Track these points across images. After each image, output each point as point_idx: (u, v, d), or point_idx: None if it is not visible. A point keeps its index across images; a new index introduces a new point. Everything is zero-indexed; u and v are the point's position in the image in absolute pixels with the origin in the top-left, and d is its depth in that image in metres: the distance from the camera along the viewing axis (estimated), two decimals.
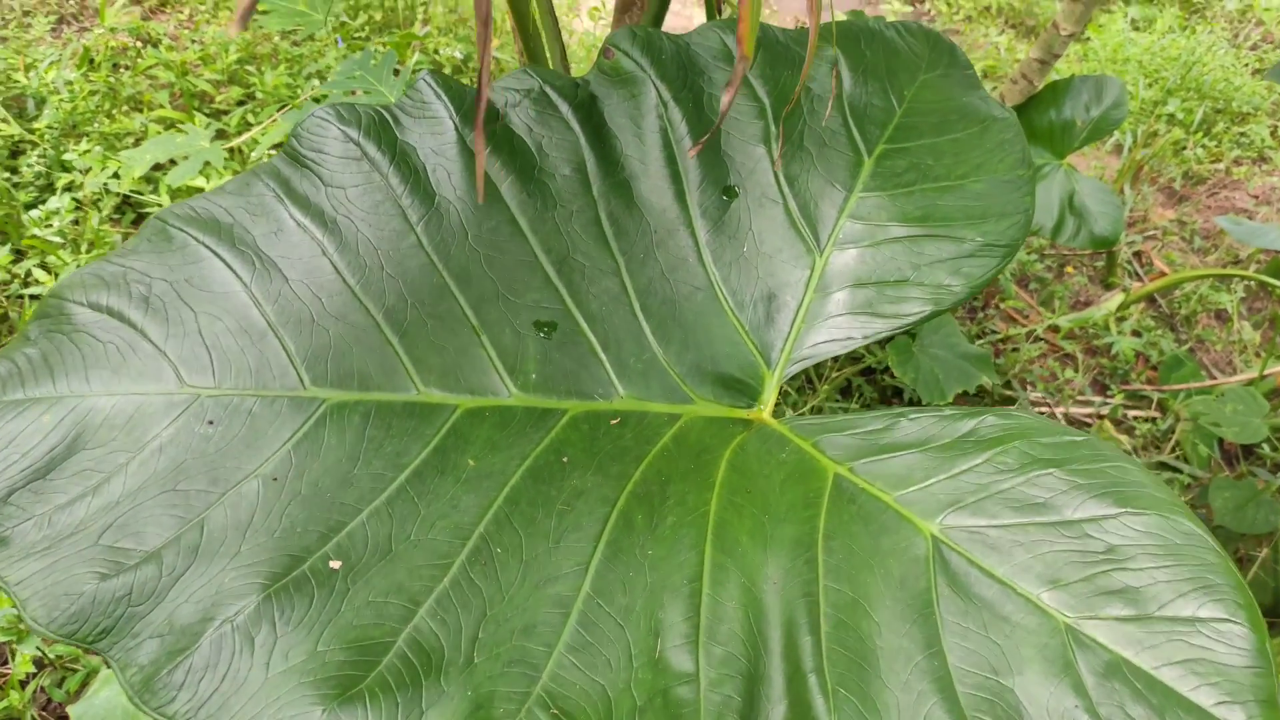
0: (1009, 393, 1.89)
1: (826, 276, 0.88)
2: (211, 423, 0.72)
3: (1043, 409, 1.89)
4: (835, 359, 1.86)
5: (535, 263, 0.84)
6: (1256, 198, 2.77)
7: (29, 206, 1.89)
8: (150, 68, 2.40)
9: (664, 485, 0.77)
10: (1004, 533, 0.71)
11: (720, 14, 1.55)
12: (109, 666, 0.64)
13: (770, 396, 0.88)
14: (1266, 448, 1.75)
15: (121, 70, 2.41)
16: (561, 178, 0.88)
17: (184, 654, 0.61)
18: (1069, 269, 2.31)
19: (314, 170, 0.83)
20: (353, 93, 1.64)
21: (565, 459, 0.77)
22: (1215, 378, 2.06)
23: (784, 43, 0.98)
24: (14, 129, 2.07)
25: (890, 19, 1.06)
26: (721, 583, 0.71)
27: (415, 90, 0.88)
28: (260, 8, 2.53)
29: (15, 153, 2.07)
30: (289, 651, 0.61)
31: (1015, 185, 0.90)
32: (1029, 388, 1.94)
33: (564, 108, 0.90)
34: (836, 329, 0.87)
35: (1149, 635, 0.65)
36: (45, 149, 2.02)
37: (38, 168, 2.00)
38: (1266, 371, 1.90)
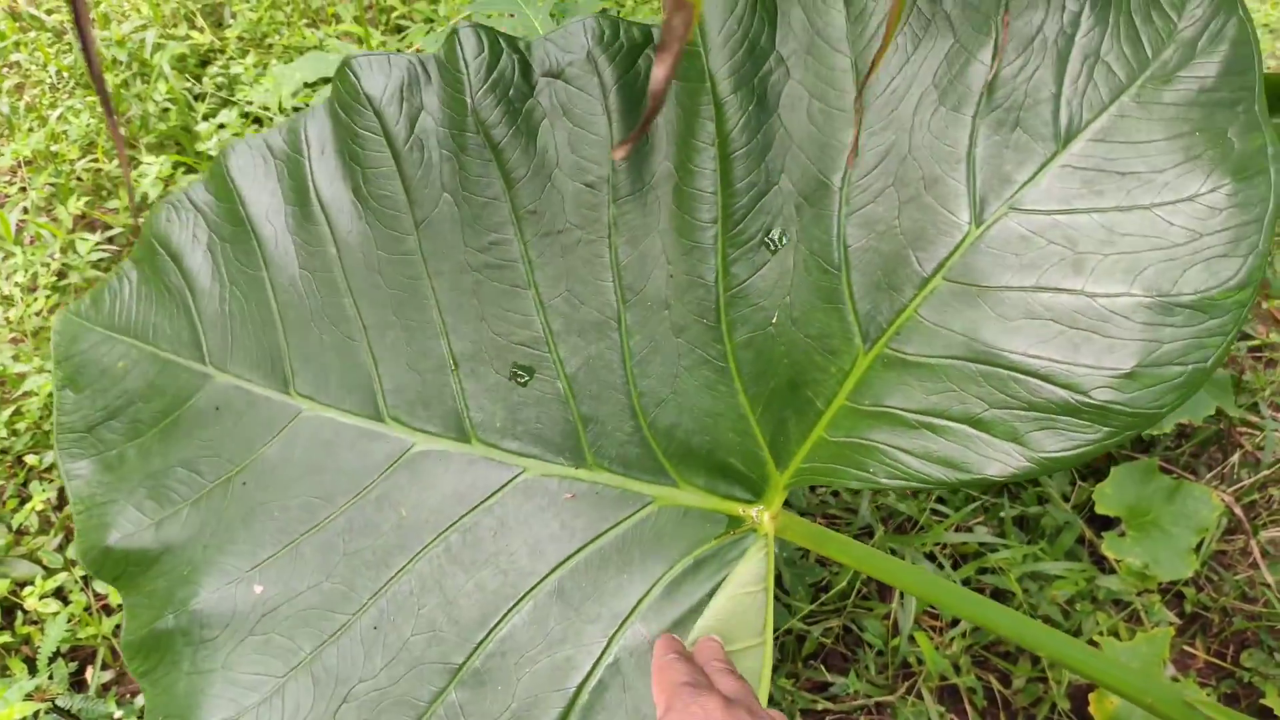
0: (1254, 418, 1.33)
1: (866, 384, 0.68)
2: (218, 408, 0.83)
3: None
4: None
5: (528, 292, 0.76)
6: None
7: (206, 117, 1.93)
8: None
9: (600, 570, 0.73)
10: None
11: None
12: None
13: (776, 499, 0.74)
14: None
15: None
16: (578, 188, 0.74)
17: (174, 612, 0.77)
18: None
19: (343, 138, 0.80)
20: (496, 16, 1.44)
21: (498, 522, 0.76)
22: None
23: None
24: (205, 38, 2.10)
25: None
26: None
27: (450, 44, 0.78)
28: None
29: (204, 62, 2.09)
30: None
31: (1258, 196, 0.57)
32: None
33: (607, 73, 0.73)
34: (857, 456, 0.68)
35: None
36: (226, 61, 2.05)
37: (219, 79, 2.01)
38: None
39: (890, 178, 0.65)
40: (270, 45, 2.07)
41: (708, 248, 0.72)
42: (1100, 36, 0.59)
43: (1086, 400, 0.60)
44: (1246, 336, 1.53)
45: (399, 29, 2.13)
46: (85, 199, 1.78)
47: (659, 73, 0.40)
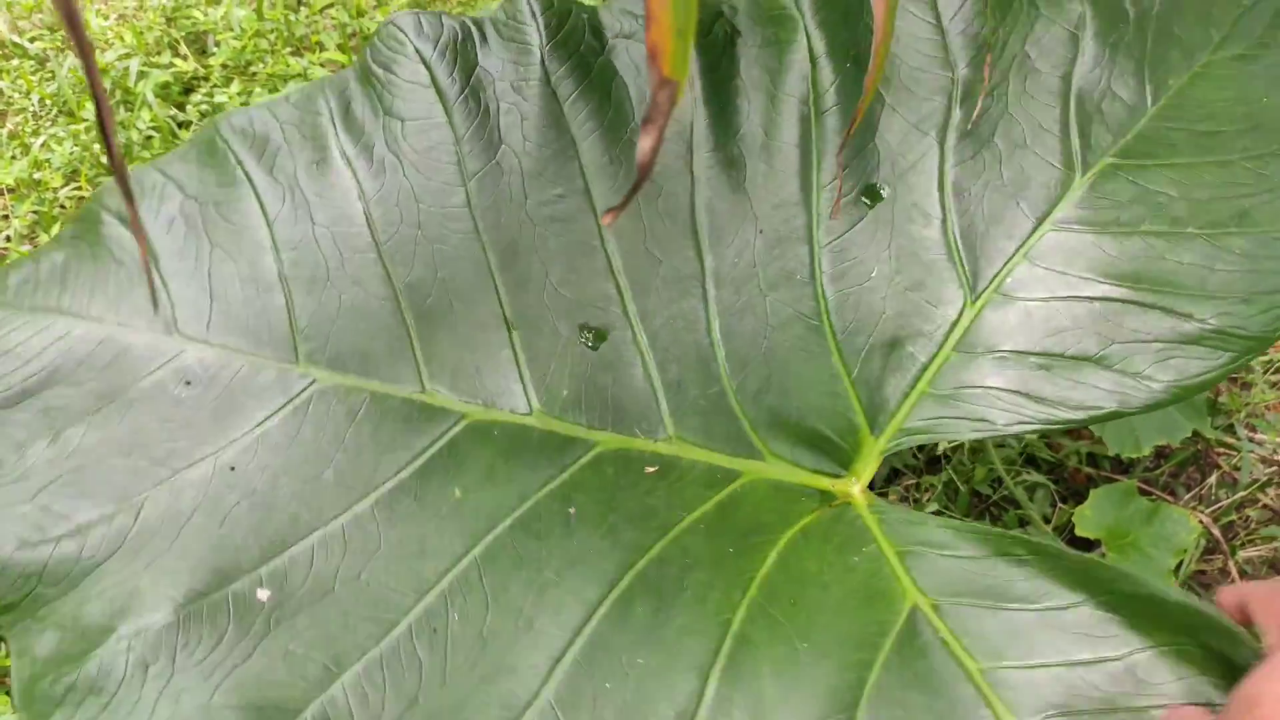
0: (1230, 439, 1.54)
1: (976, 332, 0.68)
2: (189, 383, 0.66)
3: (1274, 465, 1.53)
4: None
5: (599, 249, 0.70)
6: None
7: None
8: (327, 7, 2.36)
9: (686, 570, 0.63)
10: None
11: None
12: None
13: (867, 469, 0.70)
14: None
15: (300, 8, 2.37)
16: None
17: (76, 663, 0.56)
18: None
19: (377, 92, 0.73)
20: None
21: (572, 510, 0.65)
22: None
23: None
24: (189, 65, 2.10)
25: None
26: (725, 714, 0.58)
27: (513, 1, 0.74)
28: None
29: (188, 90, 2.11)
30: (180, 695, 0.55)
31: None
32: (1256, 433, 1.58)
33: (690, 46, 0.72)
34: (971, 404, 0.67)
35: None
36: (210, 89, 2.05)
37: (204, 107, 2.03)
38: None
39: (994, 131, 0.69)
40: (254, 73, 2.01)
41: (800, 203, 0.70)
42: None
43: (1205, 327, 0.63)
44: None
45: None
46: (69, 227, 1.67)
47: (645, 144, 0.39)
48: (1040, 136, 0.70)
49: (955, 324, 0.68)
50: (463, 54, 0.72)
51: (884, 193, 0.70)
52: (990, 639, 0.57)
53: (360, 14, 2.37)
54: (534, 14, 0.72)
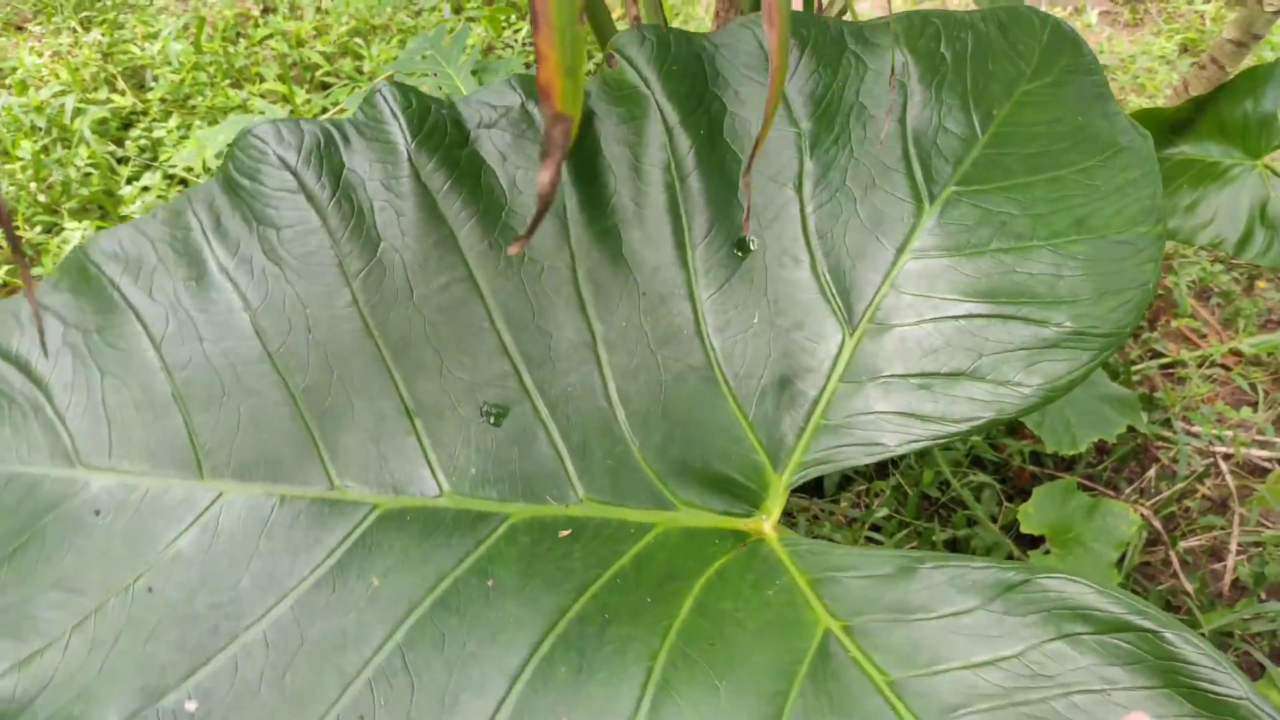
0: (1167, 433, 1.60)
1: (858, 362, 0.72)
2: (98, 512, 0.67)
3: (1210, 457, 1.59)
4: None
5: (490, 330, 0.73)
6: None
7: (130, 181, 1.95)
8: (266, 38, 2.43)
9: (606, 625, 0.65)
10: None
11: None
12: None
13: (776, 505, 0.73)
14: None
15: (239, 40, 2.46)
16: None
17: None
18: (1261, 283, 1.94)
19: (246, 202, 0.75)
20: (417, 75, 1.57)
21: (491, 582, 0.66)
22: None
23: (837, 39, 0.80)
24: (127, 101, 2.14)
25: None
26: None
27: (371, 102, 0.78)
28: None
29: (126, 125, 2.15)
30: None
31: (1133, 249, 0.69)
32: (1192, 425, 1.64)
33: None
34: (863, 431, 0.70)
35: None
36: (149, 123, 2.08)
37: (142, 141, 2.06)
38: None
39: (845, 176, 0.74)
40: (193, 107, 2.03)
41: (677, 263, 0.74)
42: None
43: (1062, 330, 0.68)
44: (1157, 355, 1.77)
45: (324, 85, 2.15)
46: (6, 267, 1.67)
47: (544, 177, 0.43)
48: (887, 175, 0.75)
49: (838, 357, 0.72)
50: (328, 157, 0.75)
51: (753, 244, 0.75)
52: (897, 651, 0.59)
53: (300, 44, 2.41)
54: (394, 113, 0.76)
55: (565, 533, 0.70)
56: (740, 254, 0.75)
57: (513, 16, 2.64)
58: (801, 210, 0.74)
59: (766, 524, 0.73)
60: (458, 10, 2.64)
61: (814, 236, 0.74)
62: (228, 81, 2.20)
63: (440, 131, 0.74)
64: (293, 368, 0.71)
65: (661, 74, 0.77)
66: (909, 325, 0.71)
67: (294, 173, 0.73)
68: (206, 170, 1.90)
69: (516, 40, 2.63)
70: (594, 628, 0.65)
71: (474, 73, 1.43)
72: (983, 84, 0.76)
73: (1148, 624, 0.55)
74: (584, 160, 0.77)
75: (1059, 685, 0.54)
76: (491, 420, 0.72)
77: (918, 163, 0.75)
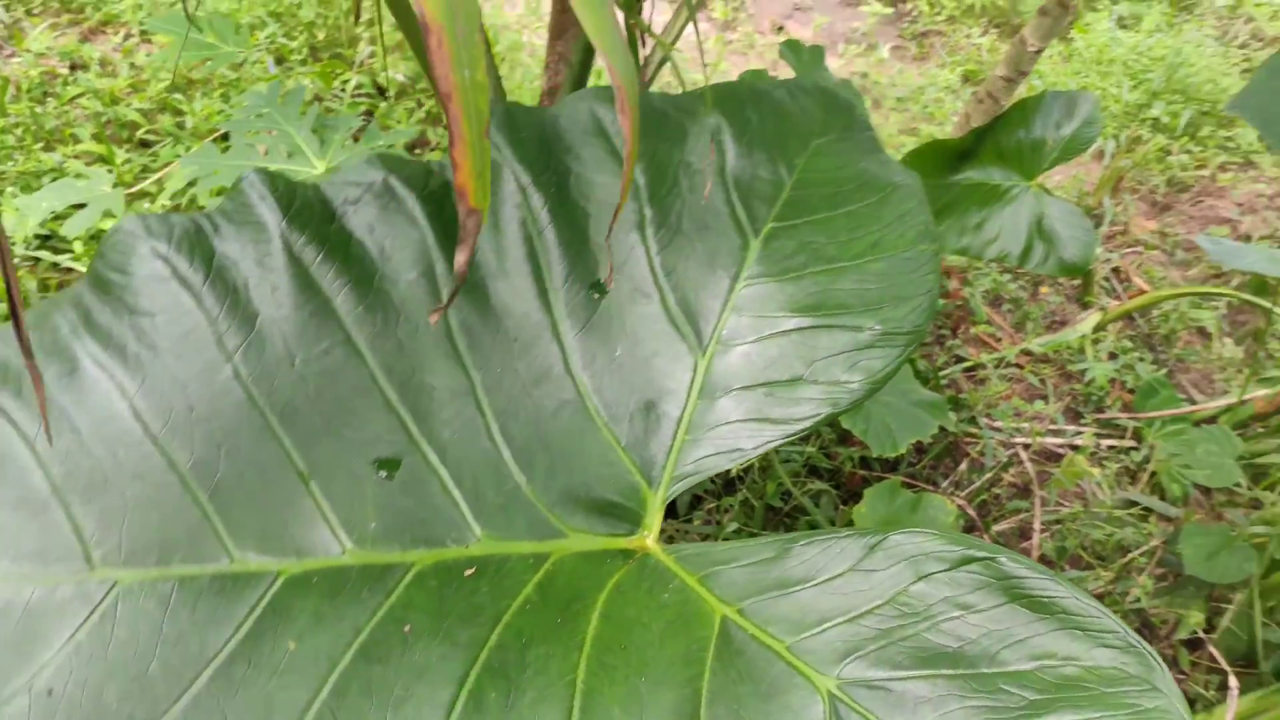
0: (974, 430, 1.84)
1: (711, 379, 0.81)
2: None
3: (1012, 448, 1.84)
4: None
5: (374, 388, 0.76)
6: (1241, 205, 2.75)
7: None
8: (77, 96, 2.29)
9: (524, 649, 0.69)
10: (909, 686, 0.64)
11: (641, 47, 1.48)
12: None
13: (655, 520, 0.80)
14: (1243, 483, 1.72)
15: (47, 99, 2.29)
16: (406, 284, 0.80)
17: None
18: (1044, 289, 2.27)
19: (117, 295, 0.75)
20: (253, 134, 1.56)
21: (408, 628, 0.69)
22: (1194, 401, 2.02)
23: (661, 110, 0.91)
24: None
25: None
26: None
27: (238, 191, 0.81)
28: (158, 38, 2.43)
29: None
30: None
31: (917, 263, 0.84)
32: (994, 421, 1.89)
33: (410, 201, 0.83)
34: (723, 439, 0.80)
35: None
36: None
37: None
38: (1246, 396, 1.86)
39: (681, 220, 0.84)
40: (3, 173, 1.87)
41: (541, 308, 0.82)
42: None
43: (875, 333, 0.81)
44: (960, 359, 1.95)
45: (145, 144, 1.98)
46: None
47: (461, 258, 0.51)
48: (717, 217, 0.86)
49: (694, 377, 0.82)
50: (199, 244, 0.77)
51: (608, 286, 0.83)
52: (788, 619, 0.68)
53: (115, 101, 2.28)
54: (263, 197, 0.79)
55: (470, 571, 0.74)
56: (598, 295, 0.83)
57: (339, 68, 2.62)
58: (648, 252, 0.84)
59: (649, 539, 0.80)
60: (280, 62, 2.60)
61: (660, 274, 0.84)
62: (39, 145, 2.05)
63: (308, 210, 0.78)
64: (177, 446, 0.71)
65: (510, 141, 0.85)
66: (751, 342, 0.82)
67: (165, 260, 0.75)
68: (26, 242, 1.75)
69: (345, 91, 2.62)
70: (514, 653, 0.69)
71: (314, 130, 1.44)
72: (784, 140, 0.89)
73: (985, 554, 0.67)
74: (446, 225, 0.83)
75: (926, 618, 0.65)
76: (385, 474, 0.75)
77: (740, 205, 0.87)
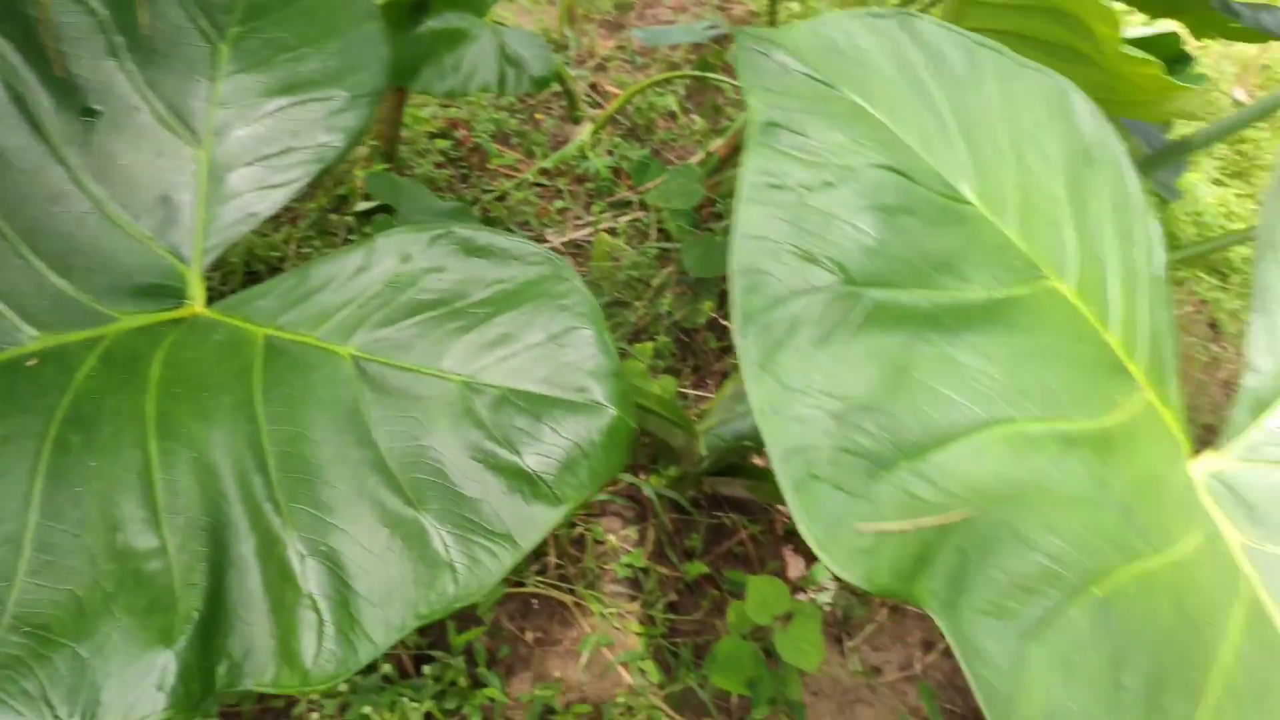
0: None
1: (215, 164, 0.96)
2: None
3: (546, 243, 2.12)
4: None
5: None
6: (674, 7, 3.15)
7: None
8: None
9: (98, 403, 0.83)
10: (407, 332, 0.86)
11: None
12: None
13: (199, 291, 0.96)
14: (721, 206, 2.14)
15: None
16: None
17: None
18: (539, 116, 2.53)
19: None
20: None
21: None
22: None
23: None
24: None
25: None
26: (172, 465, 0.80)
27: None
28: None
29: None
30: None
31: (367, 38, 1.03)
32: (526, 227, 2.15)
33: None
34: (239, 208, 0.96)
35: (523, 363, 0.83)
36: None
37: None
38: (711, 148, 2.32)
39: (168, 42, 0.96)
40: None
41: (37, 138, 0.92)
42: None
43: (344, 98, 0.99)
44: (487, 191, 2.13)
45: None
46: None
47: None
48: (186, 33, 0.99)
49: (198, 167, 0.96)
50: None
51: (100, 108, 0.94)
52: (312, 318, 0.87)
53: None
54: None
55: (32, 362, 0.85)
56: (90, 119, 0.94)
57: None
58: (129, 74, 0.95)
59: (197, 304, 0.95)
60: None
61: (146, 89, 0.96)
62: None
63: None
64: None
65: None
66: (243, 128, 0.98)
67: None
68: None
69: None
70: (89, 407, 0.83)
71: None
72: None
73: (450, 229, 0.89)
74: None
75: (412, 285, 0.87)
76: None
77: (204, 17, 1.00)
